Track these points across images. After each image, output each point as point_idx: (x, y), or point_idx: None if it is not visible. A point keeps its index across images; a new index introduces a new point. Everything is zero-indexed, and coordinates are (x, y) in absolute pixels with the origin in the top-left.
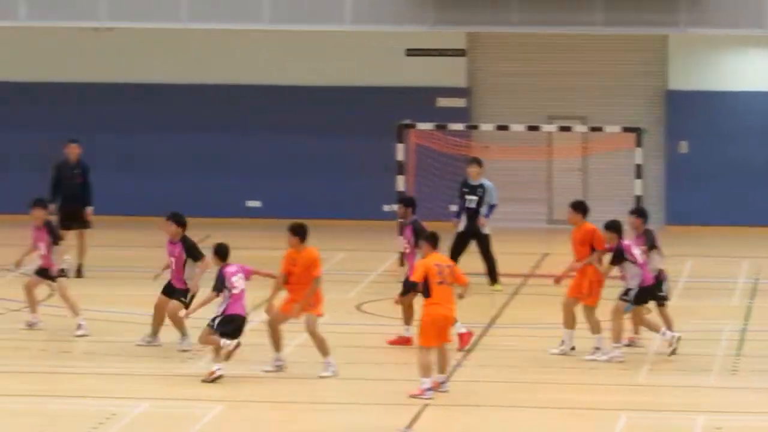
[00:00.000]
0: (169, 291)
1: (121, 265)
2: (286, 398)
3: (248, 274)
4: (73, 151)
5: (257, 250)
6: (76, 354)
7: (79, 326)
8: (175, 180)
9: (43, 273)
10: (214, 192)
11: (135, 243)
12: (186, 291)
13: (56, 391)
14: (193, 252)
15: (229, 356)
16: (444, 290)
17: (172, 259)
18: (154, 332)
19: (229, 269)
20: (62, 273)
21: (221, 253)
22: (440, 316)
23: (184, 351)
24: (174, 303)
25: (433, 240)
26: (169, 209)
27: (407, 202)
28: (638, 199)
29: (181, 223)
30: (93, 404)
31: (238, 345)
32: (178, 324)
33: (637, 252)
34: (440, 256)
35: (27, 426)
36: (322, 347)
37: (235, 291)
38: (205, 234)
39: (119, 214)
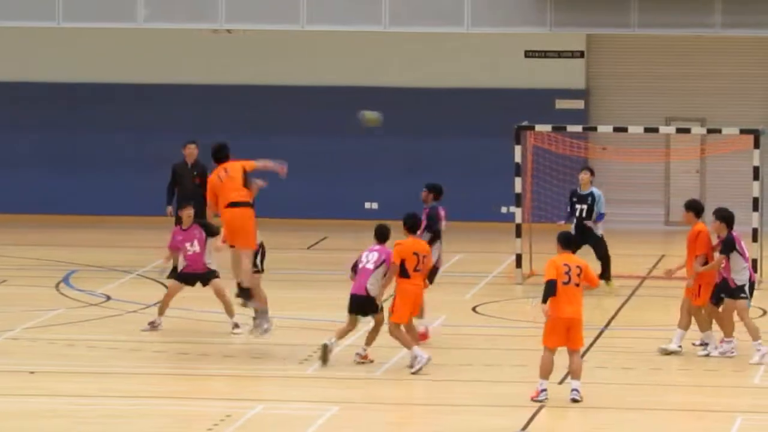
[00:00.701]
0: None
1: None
2: (401, 400)
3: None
4: (191, 152)
5: None
6: (192, 356)
7: (236, 325)
8: (294, 181)
9: (189, 278)
10: (332, 194)
11: None
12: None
13: (173, 392)
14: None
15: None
16: (569, 291)
17: None
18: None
19: (371, 247)
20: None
21: (378, 233)
22: (563, 317)
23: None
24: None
25: (563, 239)
26: (287, 210)
27: (431, 187)
28: (756, 201)
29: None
30: (208, 405)
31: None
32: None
33: (744, 245)
34: (570, 256)
35: (143, 427)
36: (405, 344)
37: (359, 264)
38: (323, 235)
39: None
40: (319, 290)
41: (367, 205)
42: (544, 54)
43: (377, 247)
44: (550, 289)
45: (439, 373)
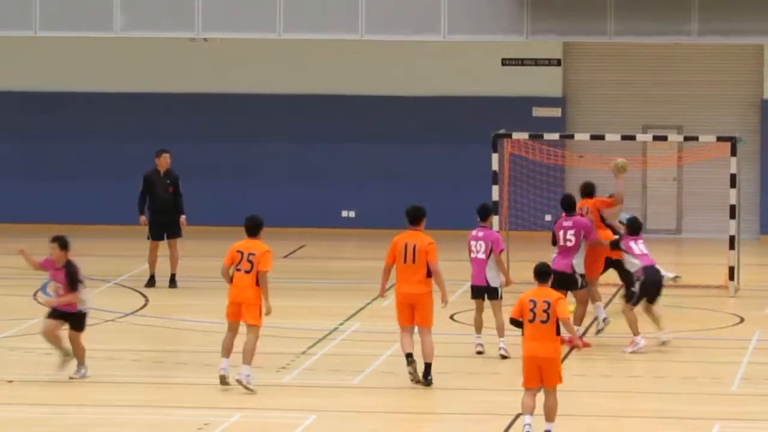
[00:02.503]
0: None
1: (213, 275)
2: (379, 408)
3: None
4: (165, 161)
5: (351, 260)
6: (168, 364)
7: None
8: (270, 190)
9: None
10: (309, 202)
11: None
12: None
13: (150, 401)
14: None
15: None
16: (535, 329)
17: (59, 285)
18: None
19: (476, 234)
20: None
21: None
22: (530, 356)
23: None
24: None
25: (537, 272)
26: (265, 218)
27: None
28: (733, 208)
29: (65, 247)
30: (186, 414)
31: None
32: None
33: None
34: (542, 291)
35: None
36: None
37: (471, 254)
38: (299, 244)
39: (212, 224)
40: (296, 299)
41: (345, 213)
42: (520, 62)
43: (481, 233)
44: (512, 325)
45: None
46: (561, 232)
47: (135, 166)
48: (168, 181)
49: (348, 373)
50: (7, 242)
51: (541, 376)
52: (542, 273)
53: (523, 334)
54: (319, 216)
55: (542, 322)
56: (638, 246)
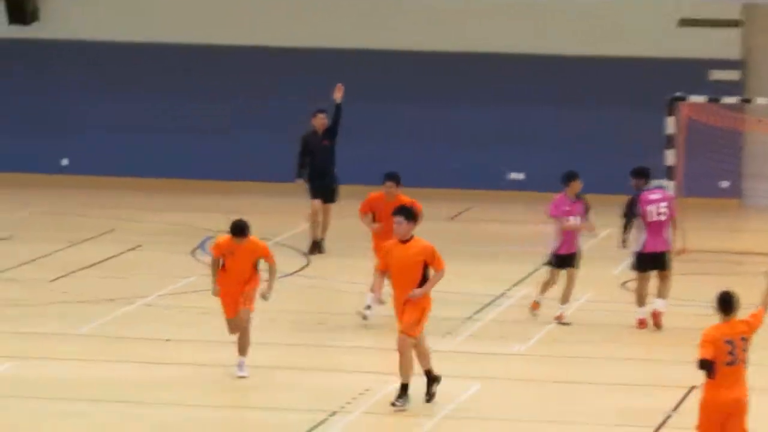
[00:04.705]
0: None
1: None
2: (544, 377)
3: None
4: (320, 122)
5: (518, 224)
6: (330, 326)
7: None
8: (439, 151)
9: None
10: (474, 163)
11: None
12: None
13: (311, 365)
14: None
15: None
16: (735, 371)
17: None
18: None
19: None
20: None
21: None
22: (726, 402)
23: None
24: None
25: (722, 302)
26: (432, 180)
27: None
28: None
29: None
30: (347, 379)
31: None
32: None
33: None
34: (733, 325)
35: (282, 396)
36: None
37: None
38: (465, 207)
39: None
40: (461, 263)
41: (512, 175)
42: (698, 23)
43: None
44: (705, 368)
45: (581, 350)
46: (652, 207)
47: (290, 123)
48: (324, 140)
49: (513, 341)
50: (169, 198)
51: (725, 425)
52: (728, 303)
53: (711, 378)
54: (485, 178)
55: (741, 362)
56: None
